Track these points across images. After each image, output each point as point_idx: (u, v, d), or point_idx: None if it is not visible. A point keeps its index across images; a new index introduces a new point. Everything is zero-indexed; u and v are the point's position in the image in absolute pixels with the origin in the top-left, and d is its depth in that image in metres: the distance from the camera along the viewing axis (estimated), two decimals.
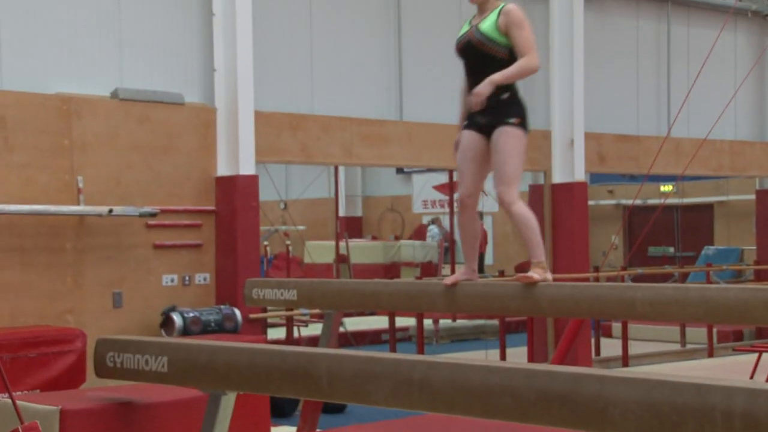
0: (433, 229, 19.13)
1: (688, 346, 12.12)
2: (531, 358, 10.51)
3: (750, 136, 12.89)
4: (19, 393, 5.47)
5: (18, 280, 7.52)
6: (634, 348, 11.39)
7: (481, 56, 4.61)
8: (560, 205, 10.76)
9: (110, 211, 7.77)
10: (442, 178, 19.33)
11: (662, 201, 13.39)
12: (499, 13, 4.59)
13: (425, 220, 20.46)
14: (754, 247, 13.47)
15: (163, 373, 3.86)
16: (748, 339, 12.30)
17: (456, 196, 4.83)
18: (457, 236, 19.23)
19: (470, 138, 4.67)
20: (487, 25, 4.61)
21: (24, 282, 7.54)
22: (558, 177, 10.76)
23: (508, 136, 4.54)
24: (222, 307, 8.28)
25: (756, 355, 9.05)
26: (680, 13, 12.14)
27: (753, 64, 12.29)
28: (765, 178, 13.07)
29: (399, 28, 9.85)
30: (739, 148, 12.66)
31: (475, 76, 4.63)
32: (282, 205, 15.86)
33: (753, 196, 13.41)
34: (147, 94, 8.22)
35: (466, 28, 4.74)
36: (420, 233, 19.97)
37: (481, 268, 18.13)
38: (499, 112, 4.57)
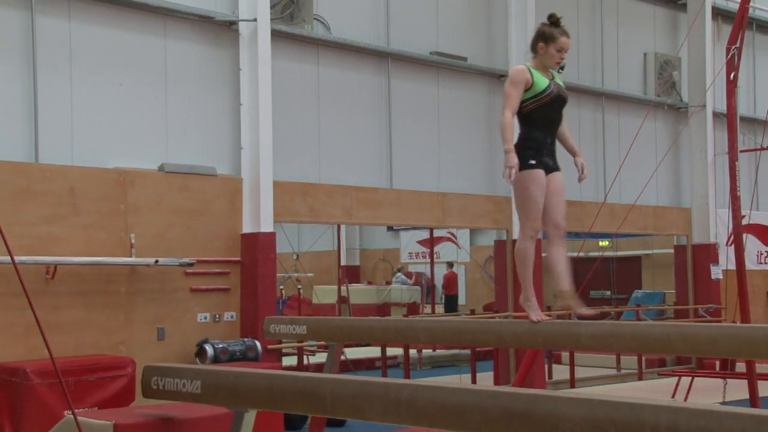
0: (399, 276, 19.08)
1: (623, 371, 12.01)
2: (497, 381, 10.41)
3: (669, 203, 12.94)
4: (80, 410, 5.39)
5: (81, 318, 7.45)
6: (579, 372, 11.30)
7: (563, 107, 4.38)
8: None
9: (156, 261, 7.74)
10: (425, 234, 19.36)
11: (601, 254, 13.38)
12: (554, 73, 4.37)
13: (411, 268, 20.41)
14: (674, 291, 13.44)
15: (197, 394, 3.82)
16: (670, 365, 12.21)
17: (531, 232, 4.39)
18: (437, 282, 19.24)
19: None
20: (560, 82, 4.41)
21: (85, 319, 7.48)
22: (517, 234, 10.73)
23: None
24: (245, 339, 8.20)
25: (676, 378, 9.00)
26: (612, 104, 12.26)
27: (670, 145, 12.40)
28: (681, 236, 13.09)
29: (389, 113, 9.92)
30: (661, 212, 12.70)
31: (556, 122, 4.37)
32: (295, 256, 15.81)
33: (672, 250, 13.41)
34: (186, 167, 8.24)
35: (546, 80, 4.32)
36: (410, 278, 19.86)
37: (454, 308, 18.09)
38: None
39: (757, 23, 13.92)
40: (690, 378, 8.78)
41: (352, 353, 12.14)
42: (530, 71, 4.29)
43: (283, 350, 9.75)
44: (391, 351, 11.86)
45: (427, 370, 13.01)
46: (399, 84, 10.00)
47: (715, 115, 12.68)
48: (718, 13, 13.17)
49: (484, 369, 11.20)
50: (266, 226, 8.50)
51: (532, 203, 4.29)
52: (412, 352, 12.29)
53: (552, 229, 4.36)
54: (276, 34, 8.78)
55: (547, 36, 4.36)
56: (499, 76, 10.80)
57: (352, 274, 20.24)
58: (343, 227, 17.49)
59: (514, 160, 4.14)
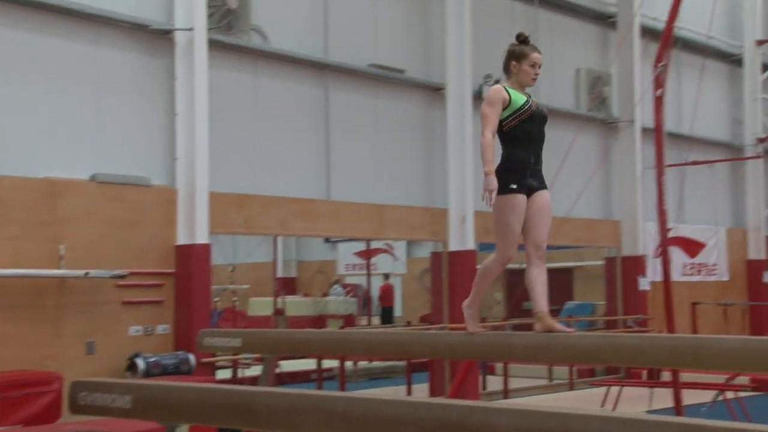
0: (336, 289, 19.06)
1: (555, 381, 12.19)
2: (432, 393, 10.45)
3: (599, 215, 13.21)
4: (4, 428, 5.21)
5: (6, 332, 7.21)
6: (513, 383, 11.43)
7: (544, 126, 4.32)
8: (455, 269, 10.83)
9: (86, 273, 7.55)
10: (362, 246, 19.35)
11: None
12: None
13: (348, 280, 20.38)
14: (604, 302, 13.73)
15: (128, 409, 3.74)
16: (601, 375, 12.44)
17: (504, 259, 4.28)
18: (374, 293, 19.25)
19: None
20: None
21: (11, 333, 7.24)
22: (453, 246, 10.85)
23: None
24: (179, 353, 8.06)
25: (606, 388, 9.18)
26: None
27: (600, 159, 12.69)
28: (611, 248, 13.37)
29: (327, 124, 9.91)
30: (592, 224, 12.97)
31: (539, 140, 4.29)
32: (230, 268, 15.62)
33: (602, 262, 13.69)
34: (119, 177, 8.08)
35: (523, 97, 4.26)
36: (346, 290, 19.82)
37: (390, 320, 18.12)
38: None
39: (683, 42, 14.38)
40: (619, 387, 8.96)
41: (287, 366, 12.04)
42: (506, 90, 4.25)
43: (218, 363, 9.60)
44: (327, 363, 11.80)
45: (363, 382, 12.98)
46: (337, 95, 10.01)
47: (644, 130, 13.03)
48: (646, 32, 13.55)
49: (420, 380, 11.23)
50: (201, 237, 8.38)
51: (508, 230, 4.20)
52: (348, 364, 12.25)
53: (532, 249, 4.24)
54: (213, 44, 8.69)
55: (518, 54, 4.35)
56: (437, 89, 10.91)
57: (288, 286, 20.10)
58: (279, 239, 17.36)
59: (494, 183, 4.06)
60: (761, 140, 15.42)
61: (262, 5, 9.32)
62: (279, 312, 15.82)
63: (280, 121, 9.52)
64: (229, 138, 9.02)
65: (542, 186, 4.28)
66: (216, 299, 14.35)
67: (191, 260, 8.27)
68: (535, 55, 4.34)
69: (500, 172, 4.16)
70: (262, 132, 9.33)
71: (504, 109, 4.20)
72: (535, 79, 4.34)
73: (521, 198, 4.18)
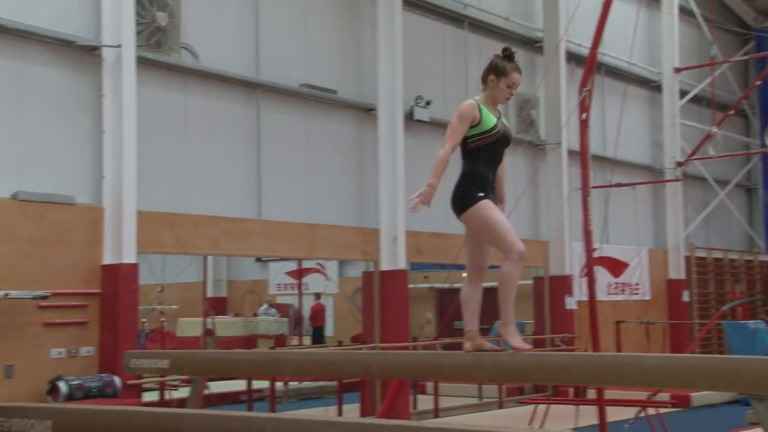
0: (266, 308, 18.89)
1: (485, 400, 12.28)
2: (363, 413, 10.40)
3: (528, 235, 13.29)
4: None
5: None
6: (443, 402, 11.46)
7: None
8: (386, 288, 10.84)
9: (6, 295, 7.30)
10: (294, 266, 19.19)
11: None
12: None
13: (279, 299, 20.18)
14: (533, 321, 13.92)
15: None
16: (529, 393, 12.58)
17: (519, 253, 4.13)
18: (306, 313, 19.10)
19: None
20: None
21: None
22: (385, 265, 10.86)
23: None
24: (103, 375, 7.83)
25: (533, 406, 9.30)
26: None
27: (528, 181, 12.89)
28: (539, 267, 13.58)
29: (259, 144, 9.84)
30: None
31: (499, 161, 4.25)
32: (159, 288, 15.29)
33: (531, 282, 13.88)
34: (42, 196, 7.85)
35: (493, 119, 4.18)
36: (278, 310, 19.62)
37: (321, 340, 17.99)
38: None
39: (606, 68, 14.82)
40: (546, 405, 9.08)
41: (217, 387, 11.82)
42: (479, 108, 4.16)
43: (144, 386, 9.37)
44: (258, 384, 11.64)
45: (293, 402, 12.85)
46: (269, 115, 9.95)
47: (570, 152, 13.33)
48: (572, 57, 13.92)
49: (351, 401, 11.17)
50: (129, 257, 8.19)
51: (501, 226, 4.07)
52: (279, 384, 12.11)
53: (477, 269, 4.23)
54: (142, 61, 8.55)
55: (500, 69, 4.22)
56: (368, 110, 10.96)
57: (218, 306, 19.79)
58: (210, 258, 17.10)
59: (430, 198, 4.02)
60: (680, 164, 15.94)
61: (193, 23, 9.23)
62: (209, 333, 15.56)
63: (211, 139, 9.41)
64: (158, 156, 8.87)
65: (496, 203, 4.22)
66: (143, 320, 14.00)
67: (118, 280, 8.07)
68: (515, 76, 4.25)
69: (464, 184, 4.15)
70: (193, 150, 9.20)
71: (473, 126, 4.13)
72: (508, 99, 4.27)
73: (491, 202, 4.14)
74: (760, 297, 16.86)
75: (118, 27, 8.27)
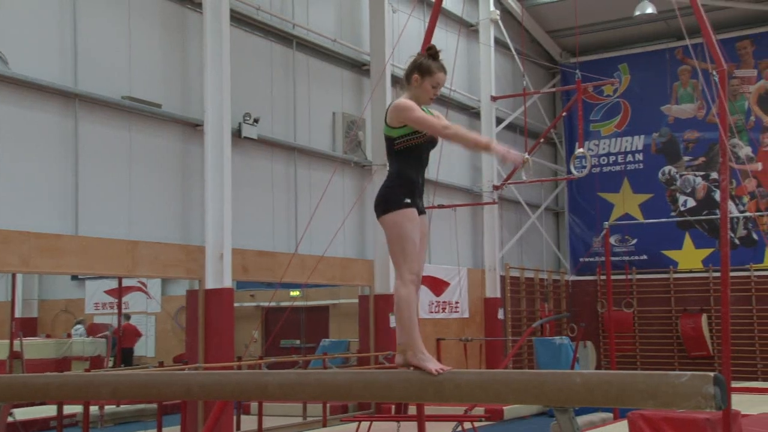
0: (79, 329, 17.95)
1: (309, 419, 12.25)
2: None
3: (354, 254, 13.61)
4: None
5: None
6: (267, 422, 11.33)
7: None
8: (211, 307, 10.57)
9: None
10: (113, 284, 18.31)
11: (291, 303, 13.65)
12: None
13: (96, 319, 19.17)
14: (358, 339, 14.08)
15: None
16: (353, 411, 12.70)
17: (411, 276, 3.92)
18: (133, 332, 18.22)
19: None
20: None
21: None
22: (210, 284, 10.58)
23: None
24: None
25: (357, 423, 9.40)
26: (304, 159, 12.67)
27: (355, 200, 13.11)
28: (364, 286, 13.79)
29: (77, 157, 9.33)
30: (347, 264, 13.31)
31: (425, 164, 4.09)
32: None
33: (356, 300, 14.06)
34: None
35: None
36: (92, 330, 18.62)
37: (130, 362, 17.22)
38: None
39: None
40: (369, 423, 9.20)
41: (23, 414, 11.03)
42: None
43: None
44: (70, 409, 10.98)
45: (109, 427, 12.23)
46: (88, 127, 9.48)
47: None
48: (397, 81, 14.30)
49: (172, 423, 10.79)
50: None
51: (409, 244, 3.89)
52: (94, 408, 11.48)
53: (416, 271, 3.98)
54: None
55: (424, 68, 4.04)
56: (195, 125, 10.70)
57: (28, 327, 18.51)
58: (19, 276, 15.98)
59: (503, 147, 3.80)
60: (496, 187, 16.79)
61: (4, 29, 8.65)
62: (16, 355, 14.49)
63: (23, 150, 8.82)
64: None
65: (424, 210, 4.10)
66: None
67: None
68: (440, 75, 4.07)
69: (391, 187, 3.96)
70: (1, 162, 8.58)
71: (402, 127, 3.96)
72: (433, 99, 4.08)
73: (416, 212, 3.98)
74: (566, 314, 18.03)
75: None
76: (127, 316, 17.94)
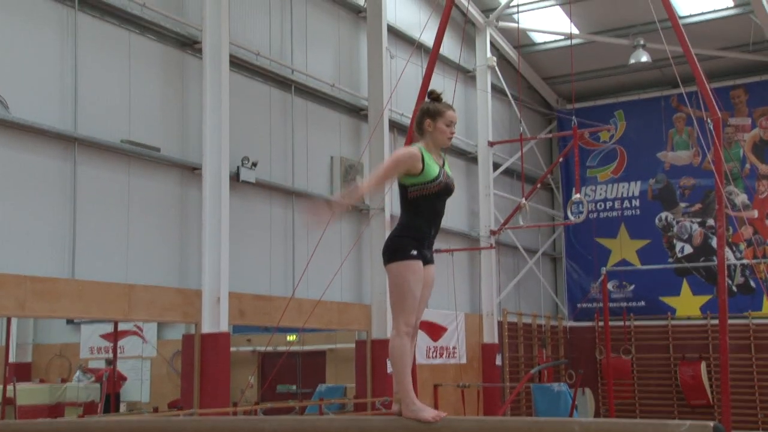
0: (78, 374, 17.77)
1: None
2: None
3: (351, 299, 13.54)
4: None
5: None
6: None
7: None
8: (207, 352, 10.48)
9: None
10: (109, 328, 18.16)
11: (288, 348, 13.55)
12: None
13: (92, 364, 18.97)
14: (354, 384, 13.94)
15: None
16: None
17: (407, 328, 3.95)
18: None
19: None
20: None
21: None
22: (207, 328, 10.51)
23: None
24: None
25: None
26: (302, 203, 12.60)
27: (353, 245, 13.09)
28: (361, 331, 13.70)
29: (75, 200, 9.34)
30: (344, 308, 13.25)
31: (441, 213, 4.10)
32: None
33: (353, 345, 13.95)
34: None
35: (436, 168, 4.02)
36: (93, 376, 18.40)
37: (113, 408, 16.98)
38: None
39: None
40: None
41: None
42: (423, 156, 3.98)
43: None
44: None
45: None
46: (87, 171, 9.50)
47: (393, 218, 13.67)
48: (395, 126, 14.43)
49: None
50: None
51: (409, 297, 3.93)
52: None
53: (414, 323, 4.05)
54: None
55: (433, 112, 4.12)
56: (193, 169, 10.74)
57: (22, 372, 18.31)
58: (14, 320, 15.86)
59: (352, 198, 3.88)
60: (493, 232, 16.80)
61: (4, 73, 8.73)
62: (9, 401, 14.31)
63: (21, 194, 8.83)
64: None
65: (432, 259, 4.11)
66: None
67: None
68: (450, 113, 4.15)
69: (399, 237, 3.97)
70: (1, 205, 8.58)
71: (415, 175, 3.97)
72: (450, 139, 4.14)
73: (421, 264, 3.99)
74: (564, 360, 17.90)
75: None
76: (108, 362, 17.77)
